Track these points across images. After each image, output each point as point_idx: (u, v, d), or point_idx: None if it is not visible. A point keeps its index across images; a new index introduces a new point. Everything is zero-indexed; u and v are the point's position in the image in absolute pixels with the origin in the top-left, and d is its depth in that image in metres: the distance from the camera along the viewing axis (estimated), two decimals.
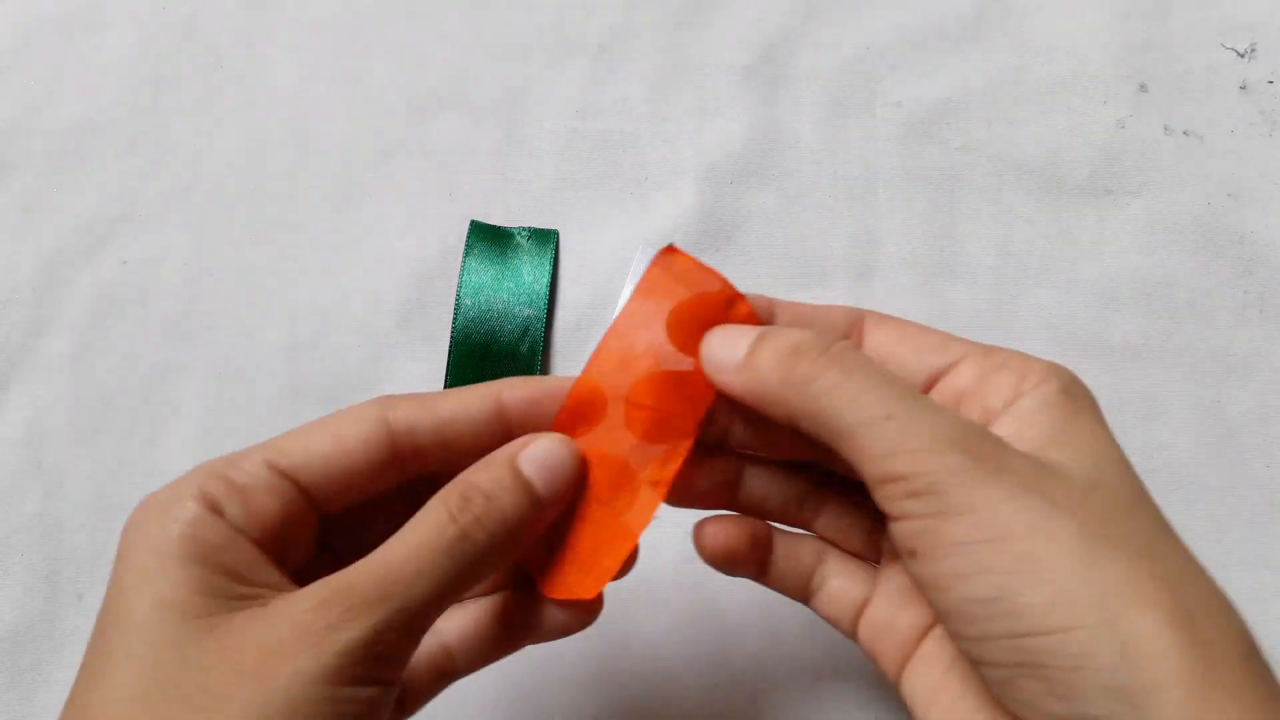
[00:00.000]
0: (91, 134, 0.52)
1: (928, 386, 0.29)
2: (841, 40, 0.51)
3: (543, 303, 0.48)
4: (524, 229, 0.49)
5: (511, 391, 0.29)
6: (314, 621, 0.23)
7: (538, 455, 0.28)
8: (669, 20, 0.52)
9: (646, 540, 0.47)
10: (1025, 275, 0.48)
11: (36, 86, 0.52)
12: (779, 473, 0.32)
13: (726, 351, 0.28)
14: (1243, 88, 0.50)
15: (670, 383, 0.31)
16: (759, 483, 0.32)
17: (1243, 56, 0.50)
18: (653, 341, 0.31)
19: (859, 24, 0.51)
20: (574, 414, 0.31)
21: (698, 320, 0.31)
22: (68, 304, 0.49)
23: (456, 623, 0.31)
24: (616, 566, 0.31)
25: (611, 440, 0.31)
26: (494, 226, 0.50)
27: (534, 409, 0.29)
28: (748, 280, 0.48)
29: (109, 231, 0.50)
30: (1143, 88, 0.50)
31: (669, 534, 0.46)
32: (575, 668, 0.45)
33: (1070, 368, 0.27)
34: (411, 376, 0.48)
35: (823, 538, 0.32)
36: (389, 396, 0.29)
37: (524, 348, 0.48)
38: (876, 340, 0.29)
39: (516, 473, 0.28)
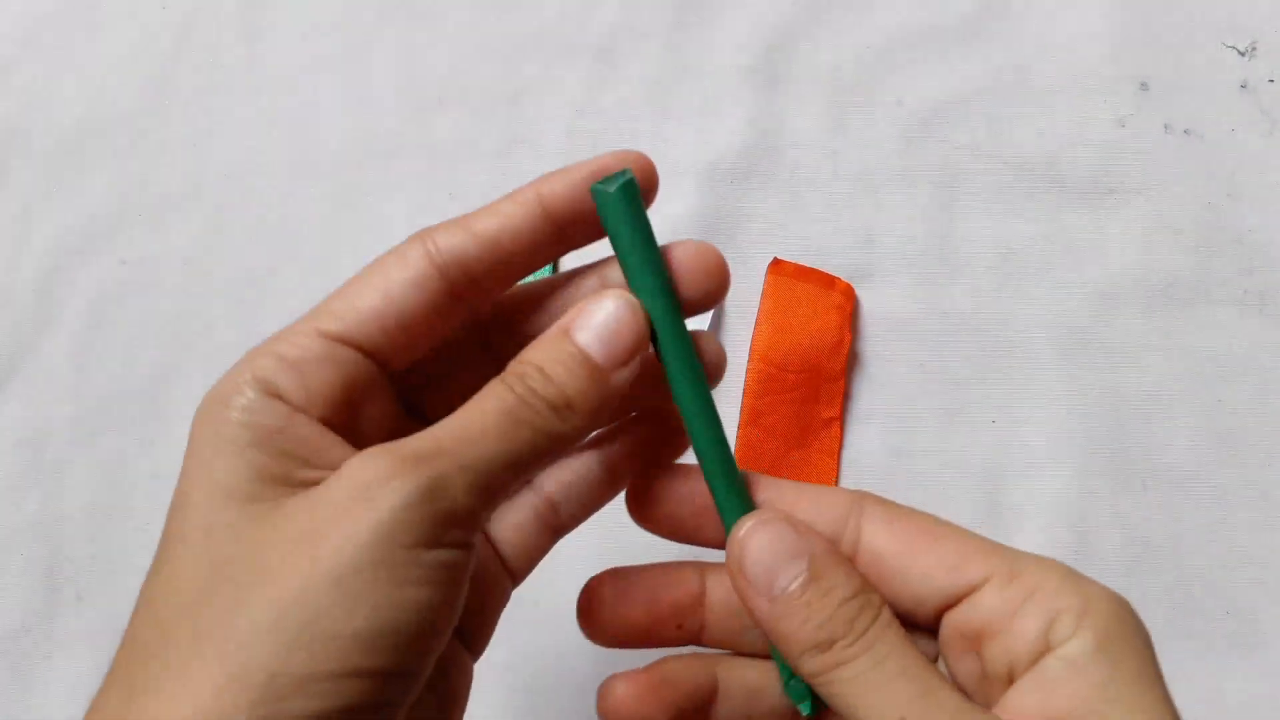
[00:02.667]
0: (91, 134, 0.52)
1: (945, 608, 0.26)
2: (842, 40, 0.51)
3: None
4: None
5: (550, 187, 0.26)
6: (368, 480, 0.22)
7: (593, 323, 0.25)
8: (669, 20, 0.52)
9: (646, 541, 0.47)
10: (1025, 275, 0.48)
11: (36, 86, 0.52)
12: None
13: (768, 576, 0.26)
14: (1243, 86, 0.50)
15: (813, 344, 0.45)
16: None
17: (1243, 55, 0.50)
18: (790, 322, 0.45)
19: (859, 24, 0.51)
20: (758, 389, 0.45)
21: (810, 298, 0.46)
22: (68, 304, 0.49)
23: (555, 475, 0.29)
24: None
25: (794, 398, 0.45)
26: None
27: (577, 199, 0.26)
28: (748, 280, 0.48)
29: (109, 231, 0.50)
30: (1143, 86, 0.50)
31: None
32: (576, 668, 0.45)
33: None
34: None
35: None
36: (427, 229, 0.26)
37: None
38: (879, 546, 0.26)
39: (571, 345, 0.25)
